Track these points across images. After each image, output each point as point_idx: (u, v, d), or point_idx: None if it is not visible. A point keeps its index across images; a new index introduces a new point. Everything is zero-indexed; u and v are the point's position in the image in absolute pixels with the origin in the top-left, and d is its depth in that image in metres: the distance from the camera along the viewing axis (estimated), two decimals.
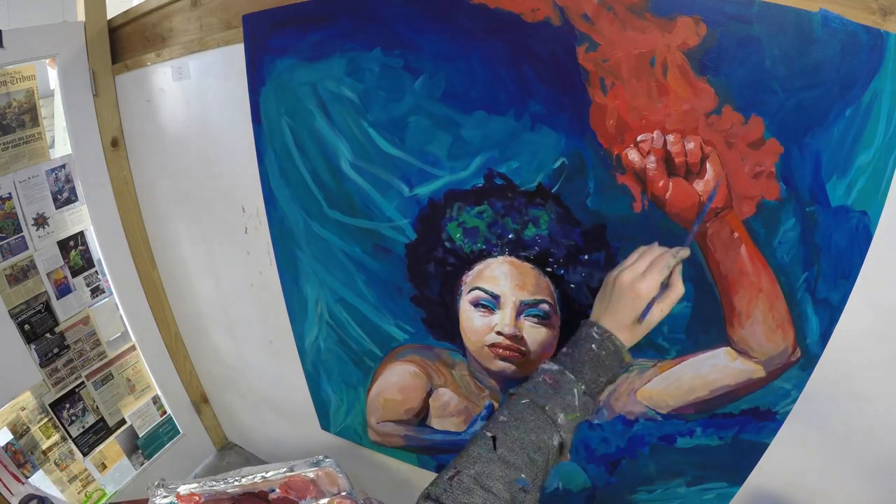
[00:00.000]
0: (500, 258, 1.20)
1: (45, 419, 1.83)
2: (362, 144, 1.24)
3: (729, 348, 1.09)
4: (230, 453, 2.38)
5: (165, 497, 1.36)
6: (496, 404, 1.38)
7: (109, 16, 1.70)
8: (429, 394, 1.46)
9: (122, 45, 1.72)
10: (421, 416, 1.51)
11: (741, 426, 1.16)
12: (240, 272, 1.77)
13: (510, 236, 1.17)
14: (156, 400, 2.15)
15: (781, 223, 0.96)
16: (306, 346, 1.65)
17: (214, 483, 1.41)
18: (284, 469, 1.42)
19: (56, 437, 1.86)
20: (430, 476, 1.62)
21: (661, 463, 1.28)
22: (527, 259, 1.18)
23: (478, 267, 1.23)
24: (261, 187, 1.48)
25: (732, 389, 1.12)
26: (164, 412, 2.17)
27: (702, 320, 1.09)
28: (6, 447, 1.71)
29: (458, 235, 1.21)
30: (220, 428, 2.39)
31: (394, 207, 1.27)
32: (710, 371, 1.12)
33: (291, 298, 1.60)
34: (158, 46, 1.60)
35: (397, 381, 1.49)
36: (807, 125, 0.88)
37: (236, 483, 1.41)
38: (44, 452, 1.83)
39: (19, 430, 1.76)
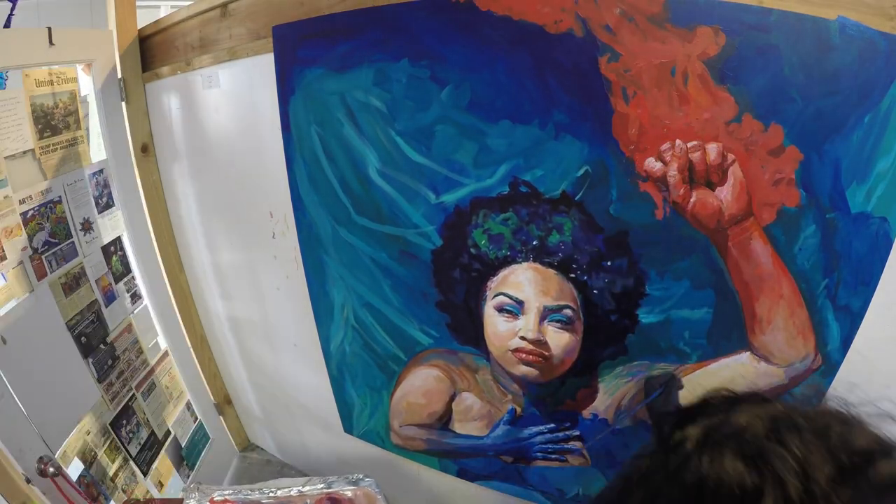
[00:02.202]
0: (525, 264, 1.22)
1: (108, 441, 1.74)
2: (390, 152, 1.27)
3: (750, 354, 1.10)
4: (252, 455, 2.40)
5: (199, 501, 1.37)
6: (518, 409, 1.40)
7: (140, 25, 1.74)
8: (452, 398, 1.48)
9: (153, 53, 1.76)
10: (444, 421, 1.53)
11: None
12: (266, 276, 1.80)
13: (534, 243, 1.19)
14: (189, 406, 2.15)
15: (802, 230, 0.98)
16: (332, 350, 1.68)
17: (249, 493, 1.42)
18: (322, 485, 1.43)
19: (119, 459, 1.77)
20: (452, 480, 1.65)
21: None
22: (550, 265, 1.20)
23: (502, 273, 1.25)
24: (290, 194, 1.51)
25: None
26: (197, 418, 2.18)
27: (723, 326, 1.10)
28: (79, 480, 1.57)
29: (483, 242, 1.24)
30: (242, 429, 2.41)
31: (420, 214, 1.30)
32: (731, 377, 1.13)
33: (318, 302, 1.63)
34: (188, 56, 1.63)
35: (421, 385, 1.51)
36: (826, 132, 0.90)
37: (271, 494, 1.42)
38: (111, 479, 1.73)
39: (88, 458, 1.64)
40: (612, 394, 1.27)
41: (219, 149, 1.69)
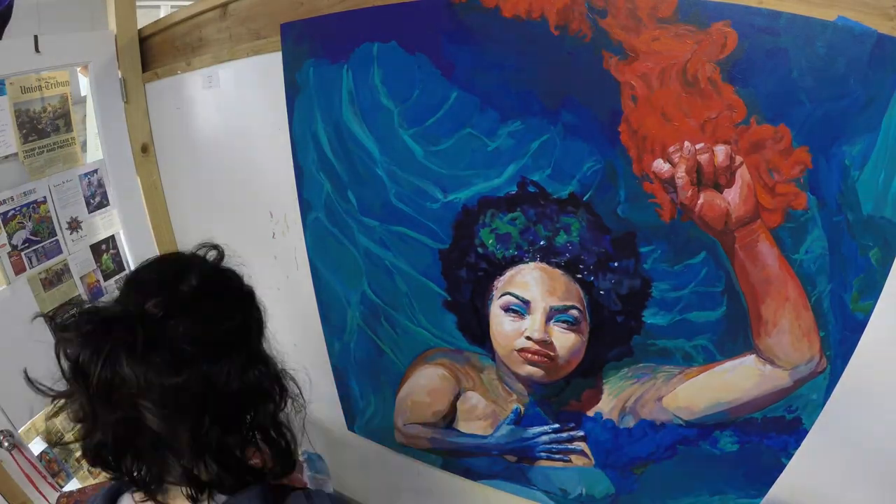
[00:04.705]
0: (532, 264, 1.23)
1: (79, 425, 1.83)
2: (398, 151, 1.29)
3: (755, 356, 1.11)
4: None
5: None
6: (523, 409, 1.41)
7: (140, 25, 1.76)
8: (457, 397, 1.49)
9: (153, 54, 1.78)
10: (448, 420, 1.53)
11: (765, 435, 1.17)
12: (266, 276, 1.78)
13: (541, 243, 1.20)
14: None
15: (808, 233, 0.99)
16: (336, 349, 1.68)
17: None
18: None
19: None
20: (456, 480, 1.65)
21: (684, 471, 1.29)
22: (557, 265, 1.21)
23: (509, 272, 1.26)
24: (296, 193, 1.52)
25: (758, 398, 1.14)
26: None
27: (729, 328, 1.11)
28: (41, 456, 1.69)
29: (490, 241, 1.25)
30: None
31: (428, 213, 1.31)
32: (736, 379, 1.14)
33: (323, 301, 1.63)
34: (188, 56, 1.66)
35: (426, 383, 1.52)
36: (834, 135, 0.91)
37: None
38: (77, 460, 1.81)
39: (53, 438, 1.73)
40: (616, 395, 1.28)
41: (219, 149, 1.71)
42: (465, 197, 1.25)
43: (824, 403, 1.10)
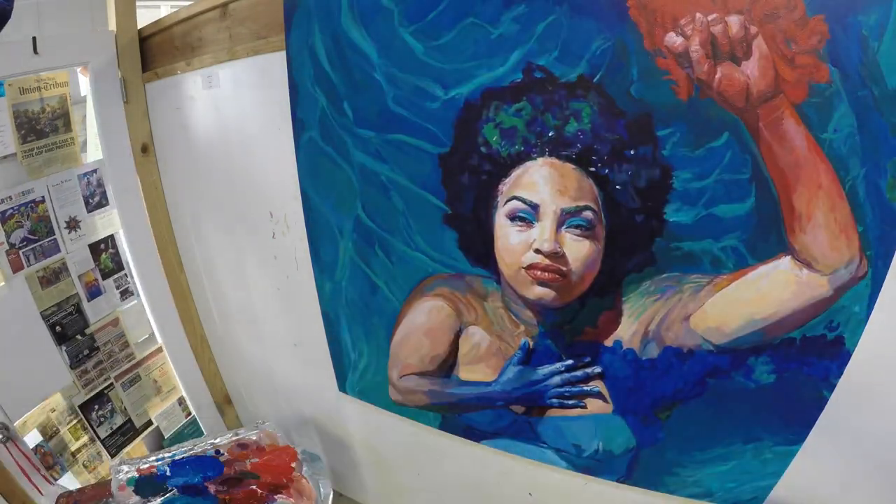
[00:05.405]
0: (540, 160, 1.23)
1: (75, 421, 1.95)
2: (397, 51, 1.31)
3: (791, 259, 1.10)
4: None
5: (127, 473, 1.59)
6: (532, 342, 1.38)
7: (140, 25, 1.90)
8: (457, 336, 1.47)
9: (153, 53, 1.91)
10: (448, 366, 1.50)
11: (805, 361, 1.15)
12: (267, 276, 1.91)
13: (550, 134, 1.20)
14: (181, 401, 2.30)
15: (835, 108, 1.00)
16: (327, 291, 1.71)
17: (168, 454, 1.72)
18: (230, 435, 1.79)
19: (85, 438, 1.98)
20: (455, 442, 1.63)
21: (714, 413, 1.26)
22: (568, 159, 1.20)
23: (515, 172, 1.25)
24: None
25: (796, 311, 1.12)
26: (189, 413, 2.32)
27: (760, 224, 1.11)
28: (36, 449, 1.81)
29: (494, 138, 1.25)
30: (242, 429, 2.45)
31: (428, 114, 1.32)
32: (771, 288, 1.13)
33: (315, 236, 1.66)
34: (188, 56, 1.77)
35: (424, 321, 1.49)
36: (848, 4, 0.94)
37: (189, 451, 1.73)
38: (73, 454, 1.94)
39: (49, 432, 1.87)
40: (638, 316, 1.25)
41: (219, 149, 1.83)
42: (467, 91, 1.25)
43: (867, 318, 1.08)
